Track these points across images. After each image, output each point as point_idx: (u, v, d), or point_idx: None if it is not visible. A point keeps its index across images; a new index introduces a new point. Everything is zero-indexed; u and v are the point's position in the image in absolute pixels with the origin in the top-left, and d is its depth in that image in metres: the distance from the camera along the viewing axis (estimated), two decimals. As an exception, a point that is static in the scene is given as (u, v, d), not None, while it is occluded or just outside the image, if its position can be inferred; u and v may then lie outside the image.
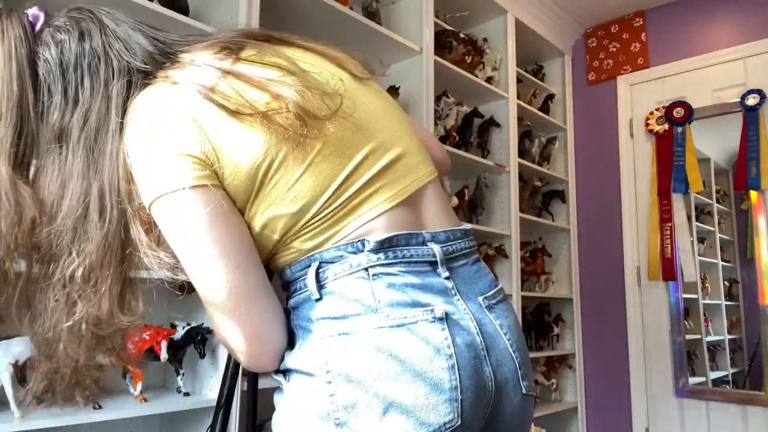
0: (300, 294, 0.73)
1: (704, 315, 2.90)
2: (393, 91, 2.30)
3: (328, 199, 0.70)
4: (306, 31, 2.49)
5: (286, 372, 0.72)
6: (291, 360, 0.70)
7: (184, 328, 1.63)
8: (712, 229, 2.93)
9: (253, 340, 0.69)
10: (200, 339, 1.63)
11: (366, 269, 0.69)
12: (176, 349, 1.62)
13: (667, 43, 3.06)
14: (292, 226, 0.71)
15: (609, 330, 3.11)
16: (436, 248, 0.73)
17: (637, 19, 3.17)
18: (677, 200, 2.89)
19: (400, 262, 0.70)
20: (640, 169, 3.07)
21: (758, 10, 2.79)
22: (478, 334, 0.71)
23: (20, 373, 1.39)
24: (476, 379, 0.68)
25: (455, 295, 0.72)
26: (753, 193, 2.70)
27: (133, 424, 1.71)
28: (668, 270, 2.87)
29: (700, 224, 2.94)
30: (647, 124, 3.02)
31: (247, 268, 0.69)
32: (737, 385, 2.79)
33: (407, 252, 0.71)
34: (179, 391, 1.65)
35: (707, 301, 2.90)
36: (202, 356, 1.63)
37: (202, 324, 1.66)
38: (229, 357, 1.07)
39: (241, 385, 1.66)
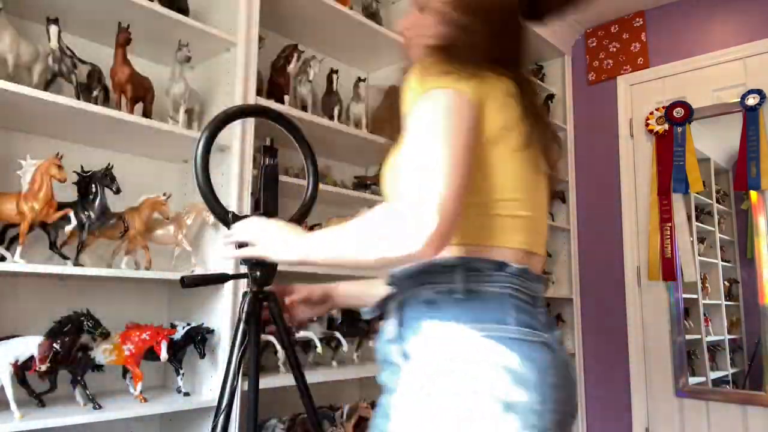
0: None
1: (704, 315, 2.89)
2: (393, 91, 2.30)
3: None
4: (306, 31, 2.51)
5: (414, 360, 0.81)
6: (431, 349, 0.79)
7: (184, 328, 1.63)
8: (712, 229, 2.93)
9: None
10: (200, 339, 1.63)
11: (511, 287, 0.82)
12: (176, 349, 1.62)
13: (667, 43, 3.06)
14: None
15: (609, 330, 3.11)
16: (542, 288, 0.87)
17: (637, 19, 3.17)
18: (677, 200, 2.89)
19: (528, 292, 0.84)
20: (640, 169, 3.07)
21: (758, 10, 2.79)
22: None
23: (20, 373, 1.39)
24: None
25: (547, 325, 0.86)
26: (753, 193, 2.70)
27: (133, 424, 1.71)
28: (668, 270, 2.86)
29: (700, 224, 2.94)
30: (647, 124, 3.02)
31: None
32: (737, 385, 2.79)
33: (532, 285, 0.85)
34: (179, 391, 1.65)
35: (707, 301, 2.90)
36: (202, 356, 1.63)
37: (202, 324, 1.67)
38: (230, 360, 1.08)
39: (241, 386, 1.66)
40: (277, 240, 0.97)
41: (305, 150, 1.28)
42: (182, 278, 1.09)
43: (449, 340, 0.78)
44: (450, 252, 0.83)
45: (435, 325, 0.80)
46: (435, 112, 0.78)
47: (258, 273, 1.13)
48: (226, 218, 1.12)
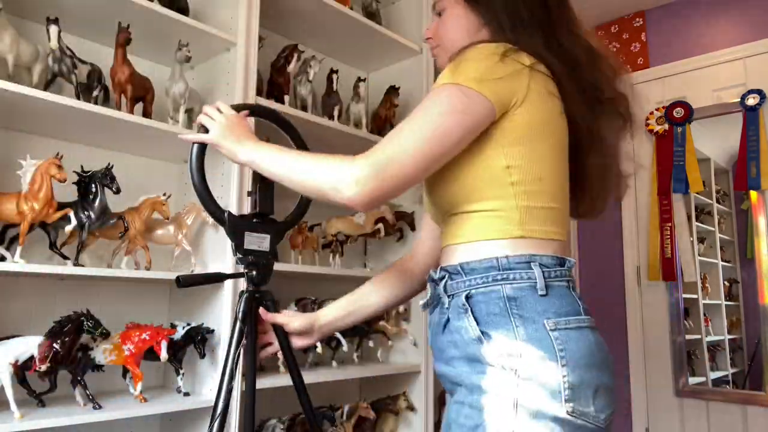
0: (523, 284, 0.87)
1: (704, 315, 2.89)
2: (393, 91, 2.30)
3: None
4: (306, 31, 2.51)
5: (511, 356, 0.83)
6: (529, 343, 0.82)
7: (184, 328, 1.63)
8: (712, 229, 2.93)
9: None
10: (200, 339, 1.63)
11: (569, 281, 0.90)
12: (176, 349, 1.62)
13: (667, 43, 3.06)
14: None
15: (609, 330, 3.10)
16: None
17: (637, 19, 3.17)
18: (677, 200, 2.89)
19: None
20: (640, 169, 3.07)
21: (758, 10, 2.79)
22: None
23: (20, 373, 1.39)
24: None
25: None
26: (753, 193, 2.69)
27: (133, 424, 1.71)
28: (668, 270, 2.86)
29: (700, 224, 2.94)
30: (647, 124, 3.02)
31: None
32: (737, 385, 2.79)
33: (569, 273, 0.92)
34: (179, 391, 1.65)
35: (707, 301, 2.90)
36: (202, 356, 1.63)
37: (202, 324, 1.67)
38: (226, 360, 1.08)
39: (240, 386, 1.66)
40: (233, 135, 1.05)
41: (301, 149, 1.27)
42: (178, 278, 1.09)
43: (543, 339, 0.83)
44: (518, 249, 0.88)
45: (523, 322, 0.84)
46: (441, 102, 0.86)
47: (254, 272, 1.13)
48: (222, 217, 1.12)
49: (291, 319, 1.19)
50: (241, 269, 1.15)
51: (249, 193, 1.20)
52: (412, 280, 1.21)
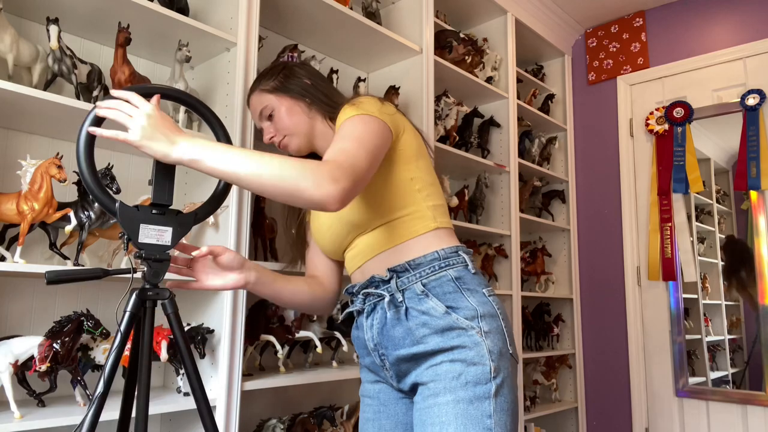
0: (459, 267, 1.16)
1: (704, 315, 2.90)
2: (393, 91, 2.30)
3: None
4: (306, 31, 2.51)
5: (475, 318, 1.09)
6: (481, 308, 1.11)
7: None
8: (712, 229, 2.93)
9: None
10: (200, 339, 1.63)
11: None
12: (176, 349, 1.62)
13: (667, 43, 3.06)
14: None
15: (609, 330, 3.11)
16: None
17: (637, 19, 3.17)
18: (677, 200, 2.89)
19: None
20: (640, 169, 3.07)
21: (758, 10, 2.79)
22: None
23: (20, 373, 1.39)
24: None
25: None
26: (753, 193, 2.70)
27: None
28: (668, 270, 2.87)
29: (700, 224, 2.94)
30: (647, 124, 3.02)
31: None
32: (737, 385, 2.79)
33: None
34: (179, 391, 1.65)
35: (707, 301, 2.90)
36: (202, 356, 1.63)
37: (202, 324, 1.67)
38: (104, 367, 1.05)
39: (241, 386, 1.66)
40: (159, 132, 1.00)
41: (219, 134, 1.19)
42: (46, 273, 0.99)
43: (487, 303, 1.12)
44: (446, 241, 1.19)
45: (471, 294, 1.11)
46: (363, 123, 1.12)
47: (146, 267, 1.03)
48: (113, 208, 1.04)
49: (223, 249, 1.16)
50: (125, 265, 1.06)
51: (150, 182, 1.08)
52: (324, 298, 1.38)
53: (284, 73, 1.35)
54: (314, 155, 1.38)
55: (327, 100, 1.32)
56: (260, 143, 2.11)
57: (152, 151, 1.00)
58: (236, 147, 1.02)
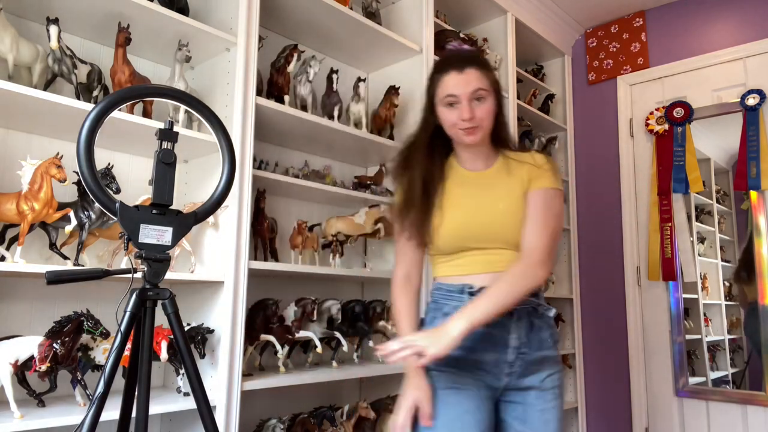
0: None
1: (704, 315, 2.89)
2: (393, 91, 2.30)
3: None
4: (306, 31, 2.51)
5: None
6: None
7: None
8: (712, 229, 2.93)
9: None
10: (200, 339, 1.63)
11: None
12: (176, 349, 1.62)
13: (667, 43, 3.06)
14: None
15: (609, 330, 3.11)
16: None
17: (637, 19, 3.17)
18: (677, 200, 2.89)
19: None
20: (640, 169, 3.07)
21: (758, 10, 2.79)
22: None
23: (20, 373, 1.39)
24: None
25: None
26: (753, 193, 2.70)
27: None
28: (668, 270, 2.87)
29: (700, 224, 2.94)
30: (647, 124, 3.02)
31: None
32: (737, 385, 2.79)
33: None
34: (179, 391, 1.65)
35: (707, 301, 2.90)
36: (202, 356, 1.63)
37: (202, 324, 1.67)
38: (104, 367, 1.05)
39: (241, 386, 1.66)
40: (437, 335, 1.15)
41: (219, 134, 1.16)
42: (46, 273, 0.98)
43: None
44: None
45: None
46: (560, 200, 1.34)
47: (146, 267, 1.03)
48: (113, 208, 1.03)
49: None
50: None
51: (150, 182, 1.08)
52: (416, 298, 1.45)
53: (498, 80, 1.38)
54: (440, 133, 1.37)
55: (500, 127, 1.37)
56: (260, 143, 2.11)
57: (446, 348, 1.14)
58: (483, 299, 1.20)
